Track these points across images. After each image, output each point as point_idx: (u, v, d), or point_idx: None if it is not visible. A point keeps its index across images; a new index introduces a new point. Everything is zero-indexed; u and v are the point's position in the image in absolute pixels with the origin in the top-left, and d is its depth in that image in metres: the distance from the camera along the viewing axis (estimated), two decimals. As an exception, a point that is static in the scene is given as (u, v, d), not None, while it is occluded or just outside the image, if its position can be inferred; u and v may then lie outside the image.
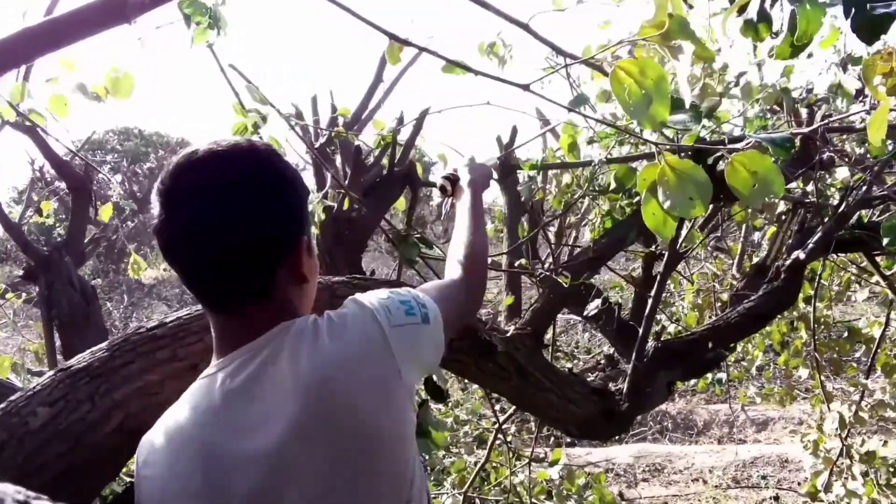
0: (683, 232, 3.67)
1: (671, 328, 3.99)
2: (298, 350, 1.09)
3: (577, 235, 4.03)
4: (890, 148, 2.64)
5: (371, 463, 1.08)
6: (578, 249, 3.55)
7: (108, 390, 1.78)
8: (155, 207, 1.07)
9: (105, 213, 3.17)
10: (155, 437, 1.17)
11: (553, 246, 3.12)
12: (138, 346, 1.86)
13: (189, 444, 1.09)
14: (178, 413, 1.15)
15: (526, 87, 1.53)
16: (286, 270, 1.13)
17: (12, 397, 1.79)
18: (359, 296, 1.27)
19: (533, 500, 3.55)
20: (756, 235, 4.23)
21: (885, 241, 2.33)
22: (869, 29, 1.38)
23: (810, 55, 3.17)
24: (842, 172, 3.21)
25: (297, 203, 1.14)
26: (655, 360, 2.94)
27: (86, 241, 3.02)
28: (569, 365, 4.90)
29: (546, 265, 2.88)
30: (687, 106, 1.64)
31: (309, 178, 2.58)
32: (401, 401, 1.13)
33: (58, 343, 2.71)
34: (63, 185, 3.17)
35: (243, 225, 1.05)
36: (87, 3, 0.98)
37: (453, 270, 1.66)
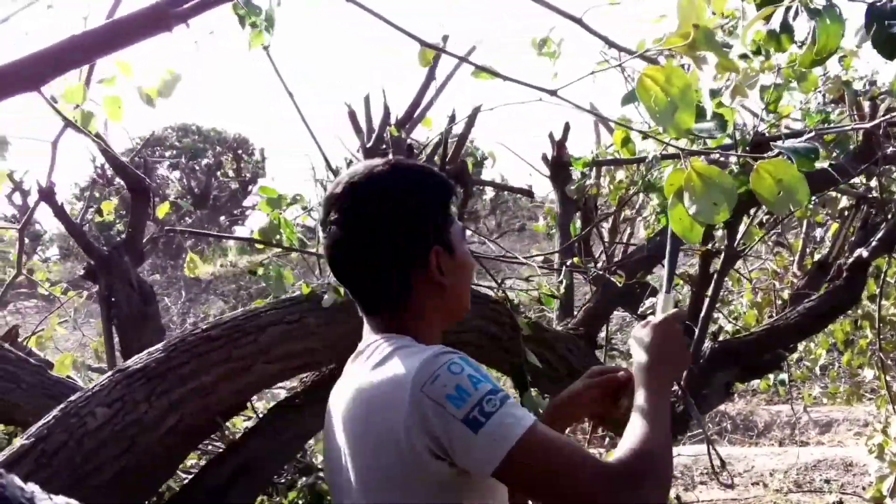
0: (742, 228, 3.59)
1: (729, 327, 3.89)
2: (367, 360, 1.19)
3: (632, 232, 3.97)
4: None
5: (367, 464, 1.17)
6: (633, 247, 3.50)
7: (165, 391, 1.82)
8: (322, 222, 1.24)
9: (162, 211, 3.23)
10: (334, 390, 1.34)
11: (606, 244, 3.07)
12: (194, 348, 1.89)
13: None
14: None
15: (553, 93, 1.51)
16: (419, 281, 1.22)
17: (72, 397, 1.83)
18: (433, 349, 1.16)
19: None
20: (818, 231, 4.11)
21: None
22: (890, 45, 1.37)
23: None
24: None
25: (424, 217, 1.22)
26: (712, 361, 2.87)
27: (144, 240, 3.08)
28: (624, 365, 4.83)
29: (599, 264, 2.83)
30: (708, 115, 1.62)
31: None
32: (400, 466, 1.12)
33: (117, 342, 2.77)
34: (123, 183, 3.22)
35: (382, 240, 1.19)
36: (133, 12, 1.00)
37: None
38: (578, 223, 3.18)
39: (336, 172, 2.49)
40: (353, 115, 2.91)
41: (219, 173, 19.21)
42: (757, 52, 2.84)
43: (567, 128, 3.14)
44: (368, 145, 2.64)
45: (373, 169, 1.22)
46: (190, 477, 2.43)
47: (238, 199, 19.62)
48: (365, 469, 1.16)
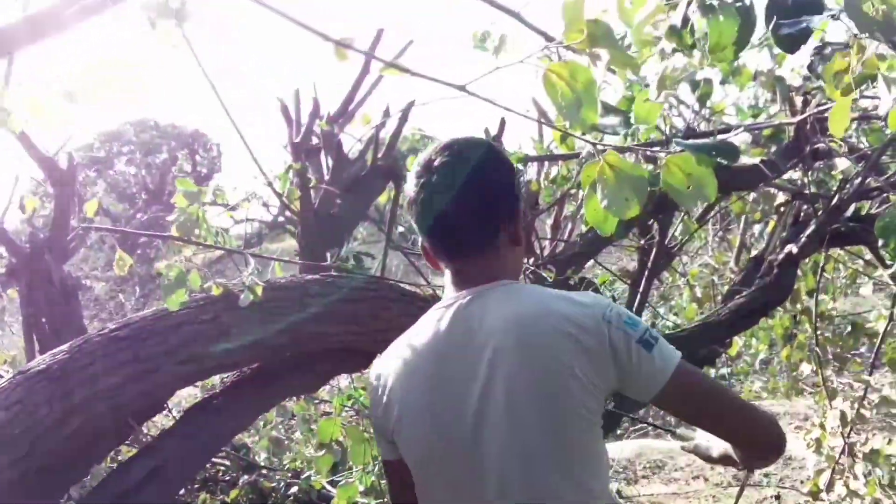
0: (679, 224, 3.61)
1: (671, 321, 3.91)
2: (518, 293, 1.33)
3: (572, 228, 3.96)
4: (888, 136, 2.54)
5: (555, 393, 1.25)
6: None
7: (67, 393, 1.76)
8: (419, 177, 1.35)
9: (90, 208, 3.14)
10: (391, 346, 1.42)
11: (539, 241, 3.05)
12: (99, 348, 1.83)
13: (419, 347, 1.35)
14: (411, 331, 1.40)
15: (462, 88, 1.49)
16: (505, 233, 1.36)
17: (-31, 401, 1.76)
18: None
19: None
20: (757, 227, 4.14)
21: (881, 241, 2.26)
22: (788, 41, 1.38)
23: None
24: (842, 163, 3.12)
25: (515, 182, 1.39)
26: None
27: (69, 237, 2.99)
28: None
29: (531, 261, 2.81)
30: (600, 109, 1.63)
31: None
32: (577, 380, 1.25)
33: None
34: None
35: (484, 188, 1.34)
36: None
37: None
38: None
39: (261, 167, 2.44)
40: (285, 110, 2.85)
41: (174, 169, 18.93)
42: (692, 47, 2.86)
43: (503, 123, 3.11)
44: (297, 140, 2.59)
45: (475, 141, 1.40)
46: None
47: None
48: (551, 405, 1.25)
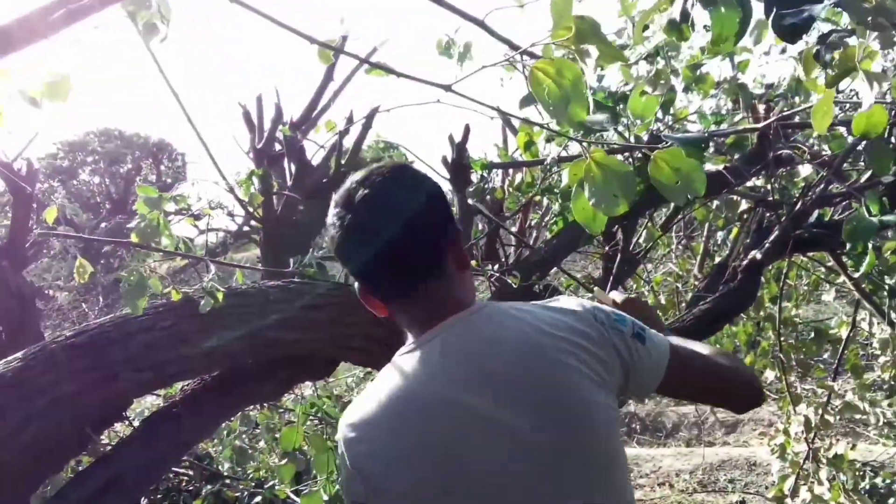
0: (643, 231, 3.62)
1: (636, 329, 3.92)
2: (501, 321, 1.23)
3: (537, 236, 3.97)
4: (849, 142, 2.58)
5: (578, 426, 1.18)
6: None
7: (21, 402, 1.72)
8: (341, 218, 1.22)
9: (49, 215, 3.09)
10: (362, 409, 1.23)
11: (504, 248, 3.05)
12: (55, 356, 1.80)
13: (412, 400, 1.19)
14: (387, 384, 1.23)
15: (448, 88, 1.48)
16: (451, 256, 1.26)
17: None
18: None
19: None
20: (721, 234, 4.18)
21: (848, 245, 2.28)
22: (790, 31, 1.37)
23: (768, 51, 3.12)
24: (805, 170, 3.16)
25: (447, 205, 1.32)
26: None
27: (28, 244, 2.94)
28: None
29: (495, 267, 2.81)
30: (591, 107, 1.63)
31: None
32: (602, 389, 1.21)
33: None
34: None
35: (421, 214, 1.23)
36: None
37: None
38: (480, 227, 3.16)
39: (223, 174, 2.42)
40: (247, 116, 2.83)
41: (138, 178, 18.76)
42: (655, 54, 2.88)
43: (467, 130, 3.10)
44: (259, 146, 2.57)
45: (396, 167, 1.30)
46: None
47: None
48: (593, 418, 1.18)
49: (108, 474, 1.91)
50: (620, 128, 2.45)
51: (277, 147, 2.84)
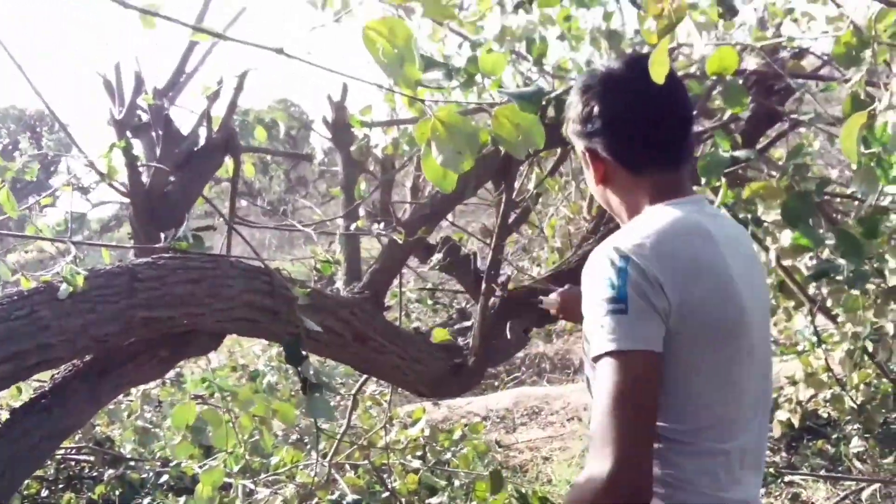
0: (533, 177, 3.65)
1: (534, 273, 3.97)
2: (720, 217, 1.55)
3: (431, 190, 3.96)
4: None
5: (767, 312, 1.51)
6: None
7: None
8: (638, 80, 1.42)
9: None
10: (646, 236, 1.33)
11: (391, 204, 3.03)
12: None
13: (695, 227, 1.38)
14: (665, 218, 1.38)
15: (280, 51, 1.43)
16: None
17: None
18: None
19: (402, 460, 3.53)
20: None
21: (703, 180, 2.35)
22: None
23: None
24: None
25: None
26: (505, 310, 2.92)
27: None
28: (417, 324, 4.88)
29: (381, 224, 2.80)
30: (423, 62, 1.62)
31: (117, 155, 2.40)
32: None
33: None
34: None
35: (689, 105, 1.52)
36: None
37: None
38: (363, 185, 3.13)
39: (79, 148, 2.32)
40: (108, 85, 2.71)
41: (16, 153, 17.91)
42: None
43: (345, 89, 3.06)
44: (119, 116, 2.47)
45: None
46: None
47: (41, 181, 18.45)
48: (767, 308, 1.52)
49: (-24, 473, 1.83)
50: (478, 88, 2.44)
51: (146, 118, 2.72)
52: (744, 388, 1.38)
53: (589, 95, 1.50)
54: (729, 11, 1.47)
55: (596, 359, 1.26)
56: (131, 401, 3.76)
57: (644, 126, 1.45)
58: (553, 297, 2.27)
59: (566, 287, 2.31)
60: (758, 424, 1.43)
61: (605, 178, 1.51)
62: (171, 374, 3.87)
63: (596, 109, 1.48)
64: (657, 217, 1.39)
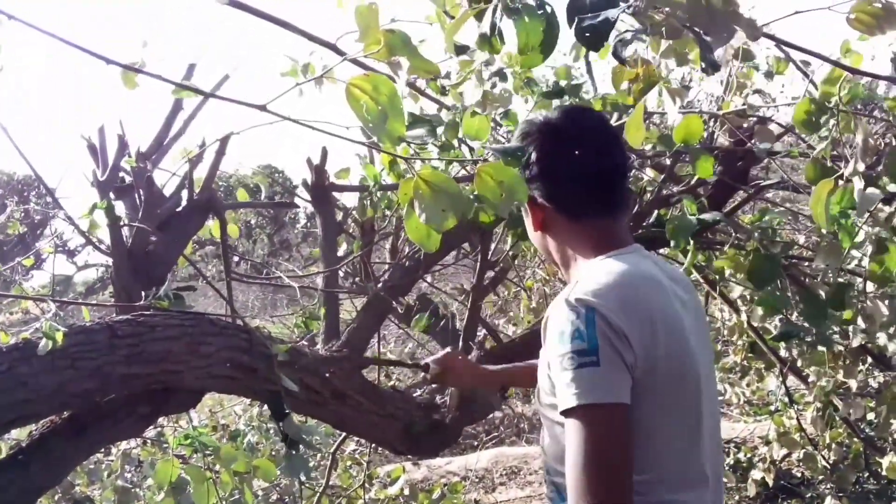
0: (508, 239, 3.72)
1: (510, 332, 4.03)
2: (661, 262, 1.57)
3: (409, 251, 4.02)
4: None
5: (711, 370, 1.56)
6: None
7: None
8: (591, 130, 1.53)
9: None
10: (607, 286, 1.36)
11: (368, 265, 3.09)
12: None
13: (649, 279, 1.42)
14: (618, 269, 1.41)
15: (263, 108, 1.48)
16: None
17: None
18: None
19: (382, 519, 3.52)
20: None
21: (672, 243, 2.40)
22: (591, 38, 1.42)
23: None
24: (650, 172, 3.32)
25: None
26: (482, 369, 2.96)
27: None
28: (395, 382, 4.89)
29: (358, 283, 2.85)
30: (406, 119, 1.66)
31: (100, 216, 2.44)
32: None
33: None
34: None
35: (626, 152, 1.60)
36: None
37: None
38: (344, 245, 3.19)
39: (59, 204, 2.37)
40: (91, 148, 2.77)
41: (3, 217, 17.87)
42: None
43: (324, 153, 3.14)
44: (102, 178, 2.53)
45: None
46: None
47: (28, 244, 18.37)
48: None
49: (-51, 530, 1.83)
50: (464, 148, 2.50)
51: (129, 179, 2.78)
52: (702, 432, 1.41)
53: (527, 143, 1.54)
54: (711, 67, 1.51)
55: (566, 412, 1.27)
56: (111, 460, 3.72)
57: (580, 173, 1.48)
58: (435, 363, 2.21)
59: (446, 351, 2.28)
60: (712, 468, 1.44)
61: (544, 225, 1.55)
62: (151, 433, 3.84)
63: (533, 156, 1.51)
64: (610, 269, 1.40)
